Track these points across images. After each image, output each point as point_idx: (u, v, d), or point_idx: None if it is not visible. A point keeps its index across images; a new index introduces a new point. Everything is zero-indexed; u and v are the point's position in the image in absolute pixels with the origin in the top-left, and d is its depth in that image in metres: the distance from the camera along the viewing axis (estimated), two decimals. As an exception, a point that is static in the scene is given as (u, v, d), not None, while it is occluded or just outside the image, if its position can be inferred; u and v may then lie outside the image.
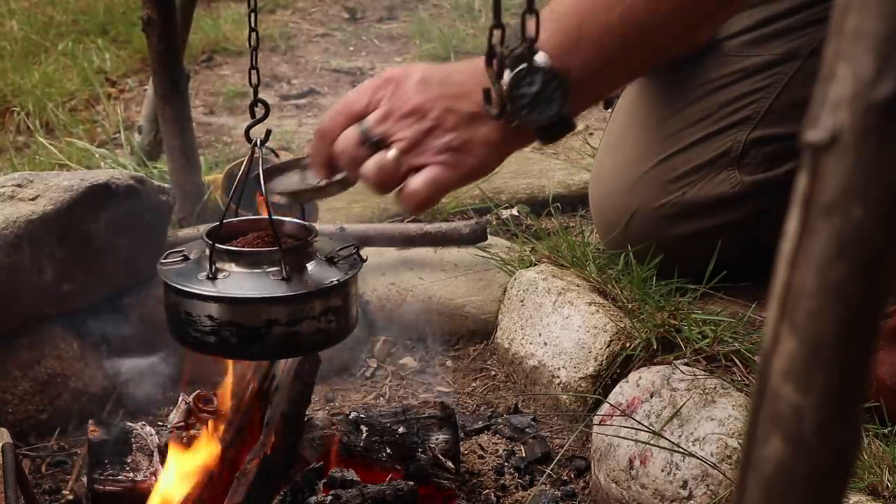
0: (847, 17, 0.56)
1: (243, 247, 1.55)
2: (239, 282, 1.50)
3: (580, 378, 1.95)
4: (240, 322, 1.48)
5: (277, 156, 1.67)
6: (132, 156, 2.84)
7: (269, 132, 1.57)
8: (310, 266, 1.55)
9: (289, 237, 1.59)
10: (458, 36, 3.91)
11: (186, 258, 1.57)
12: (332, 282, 1.52)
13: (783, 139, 2.08)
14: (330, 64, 3.88)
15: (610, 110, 2.33)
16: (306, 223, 1.62)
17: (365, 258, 1.59)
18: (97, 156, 2.94)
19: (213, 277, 1.50)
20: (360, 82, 3.70)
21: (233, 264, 1.52)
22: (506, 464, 1.90)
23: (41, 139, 3.11)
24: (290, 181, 1.56)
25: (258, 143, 1.53)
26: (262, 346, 1.50)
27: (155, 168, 2.70)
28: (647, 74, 2.16)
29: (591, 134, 3.04)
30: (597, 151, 2.33)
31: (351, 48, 4.06)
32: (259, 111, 1.59)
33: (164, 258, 1.57)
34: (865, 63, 0.55)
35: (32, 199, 1.93)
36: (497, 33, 1.37)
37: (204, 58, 3.94)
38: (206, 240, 1.52)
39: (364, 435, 1.76)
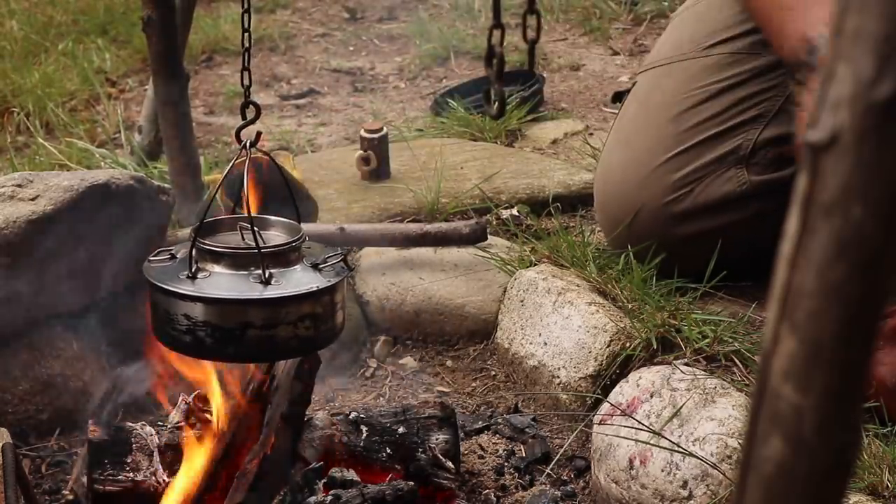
0: (847, 18, 0.56)
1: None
2: (218, 282, 1.51)
3: (580, 378, 1.95)
4: (214, 322, 1.49)
5: (270, 156, 1.67)
6: (132, 156, 2.84)
7: (259, 134, 1.57)
8: (295, 271, 1.54)
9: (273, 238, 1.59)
10: (458, 36, 3.90)
11: (174, 257, 1.58)
12: (311, 288, 1.52)
13: (793, 140, 2.08)
14: (330, 64, 3.88)
15: (619, 104, 2.33)
16: (294, 223, 1.62)
17: (353, 267, 1.59)
18: (97, 156, 2.94)
19: (192, 276, 1.51)
20: (360, 82, 3.71)
21: (215, 265, 1.53)
22: (506, 464, 1.90)
23: (41, 139, 3.11)
24: (228, 240, 1.57)
25: (248, 144, 1.53)
26: (236, 348, 1.50)
27: (155, 168, 2.70)
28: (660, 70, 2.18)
29: (591, 134, 3.04)
30: (604, 146, 2.32)
31: (351, 48, 4.05)
32: (250, 112, 1.59)
33: (152, 256, 1.58)
34: (865, 63, 0.55)
35: (32, 199, 1.93)
36: (497, 33, 1.37)
37: (204, 58, 3.93)
38: (199, 239, 1.53)
39: (364, 435, 1.76)
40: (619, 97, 2.34)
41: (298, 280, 1.53)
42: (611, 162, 2.23)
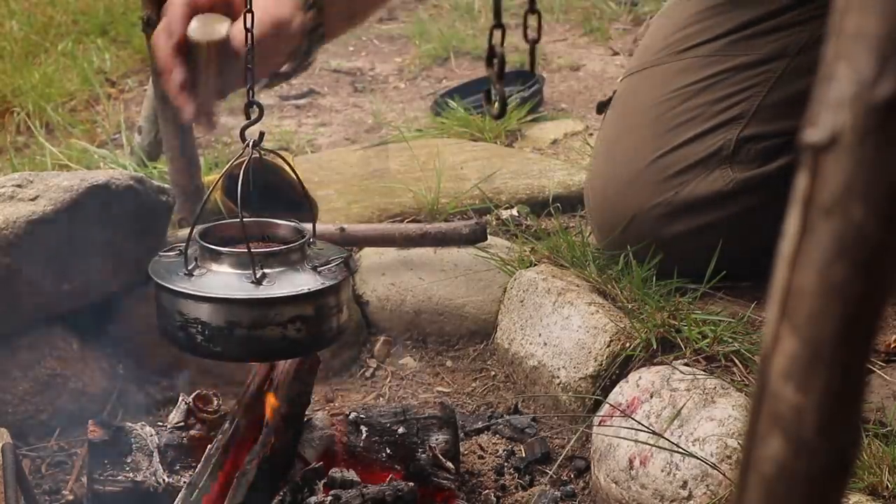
0: (847, 17, 0.56)
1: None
2: (212, 280, 1.51)
3: (580, 378, 1.95)
4: (204, 320, 1.50)
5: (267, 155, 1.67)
6: (132, 156, 2.84)
7: (262, 134, 1.57)
8: (294, 272, 1.54)
9: (279, 240, 1.60)
10: (458, 36, 3.90)
11: (182, 254, 1.59)
12: (301, 290, 1.51)
13: (775, 136, 2.09)
14: (330, 64, 3.88)
15: (603, 115, 2.33)
16: (300, 226, 1.62)
17: (354, 269, 1.59)
18: (97, 156, 2.94)
19: (189, 274, 1.52)
20: (360, 82, 3.71)
21: (217, 264, 1.53)
22: (506, 464, 1.90)
23: (41, 140, 3.11)
24: (236, 240, 1.60)
25: (251, 143, 1.54)
26: (224, 347, 1.50)
27: (155, 168, 2.70)
28: None
29: (591, 134, 3.04)
30: (591, 155, 2.34)
31: (351, 48, 4.05)
32: (254, 112, 1.59)
33: (163, 252, 1.60)
34: (865, 63, 0.55)
35: (32, 200, 1.93)
36: (497, 33, 1.37)
37: (204, 58, 3.93)
38: (200, 238, 1.54)
39: (364, 435, 1.76)
40: (602, 107, 2.35)
41: (293, 281, 1.53)
42: (596, 170, 2.25)
